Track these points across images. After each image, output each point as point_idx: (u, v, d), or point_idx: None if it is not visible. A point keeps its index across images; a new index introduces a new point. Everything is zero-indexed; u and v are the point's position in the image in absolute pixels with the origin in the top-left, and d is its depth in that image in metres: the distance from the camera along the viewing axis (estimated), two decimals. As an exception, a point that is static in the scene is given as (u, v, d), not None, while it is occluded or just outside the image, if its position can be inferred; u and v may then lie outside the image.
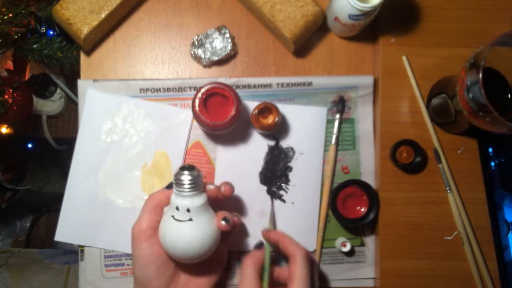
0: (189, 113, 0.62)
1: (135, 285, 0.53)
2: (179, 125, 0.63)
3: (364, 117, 0.63)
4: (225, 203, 0.56)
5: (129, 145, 0.62)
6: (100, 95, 0.62)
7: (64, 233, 0.61)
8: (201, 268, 0.54)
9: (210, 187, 0.52)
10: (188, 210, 0.48)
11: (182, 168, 0.49)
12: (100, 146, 0.62)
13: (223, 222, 0.50)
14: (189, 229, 0.48)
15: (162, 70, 0.65)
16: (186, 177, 0.48)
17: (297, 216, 0.62)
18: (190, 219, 0.48)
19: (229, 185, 0.54)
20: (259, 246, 0.55)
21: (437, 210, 0.60)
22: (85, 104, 0.62)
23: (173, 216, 0.49)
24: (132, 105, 0.62)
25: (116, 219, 0.61)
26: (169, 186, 0.52)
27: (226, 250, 0.57)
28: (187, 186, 0.48)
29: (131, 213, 0.61)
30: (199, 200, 0.49)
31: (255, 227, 0.61)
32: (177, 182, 0.49)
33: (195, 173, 0.49)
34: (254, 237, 0.61)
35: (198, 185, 0.49)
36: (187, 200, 0.49)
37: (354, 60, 0.65)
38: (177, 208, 0.49)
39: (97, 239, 0.61)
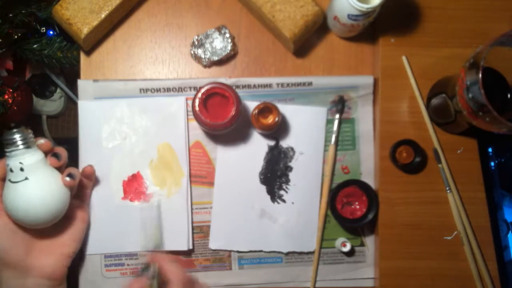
0: (182, 100, 0.62)
1: None
2: (174, 113, 0.62)
3: (364, 117, 0.63)
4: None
5: (131, 146, 0.62)
6: (91, 104, 0.62)
7: (95, 245, 0.60)
8: (60, 229, 0.53)
9: (41, 141, 0.51)
10: (21, 169, 0.47)
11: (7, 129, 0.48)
12: (103, 153, 0.62)
13: (67, 178, 0.50)
14: (26, 188, 0.47)
15: (162, 70, 0.65)
16: (9, 135, 0.47)
17: (297, 216, 0.62)
18: (26, 178, 0.47)
19: (90, 166, 0.55)
20: (145, 269, 0.50)
21: (437, 210, 0.60)
22: (79, 115, 0.62)
23: (9, 180, 0.48)
24: (124, 106, 0.62)
25: (137, 220, 0.61)
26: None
27: (86, 205, 0.58)
28: (12, 143, 0.47)
29: (151, 211, 0.61)
30: (32, 157, 0.48)
31: (255, 227, 0.62)
32: (4, 142, 0.48)
33: (20, 130, 0.48)
34: (254, 236, 0.62)
35: (25, 141, 0.48)
36: (18, 159, 0.47)
37: (354, 60, 0.65)
38: (11, 170, 0.48)
39: (124, 244, 0.61)
